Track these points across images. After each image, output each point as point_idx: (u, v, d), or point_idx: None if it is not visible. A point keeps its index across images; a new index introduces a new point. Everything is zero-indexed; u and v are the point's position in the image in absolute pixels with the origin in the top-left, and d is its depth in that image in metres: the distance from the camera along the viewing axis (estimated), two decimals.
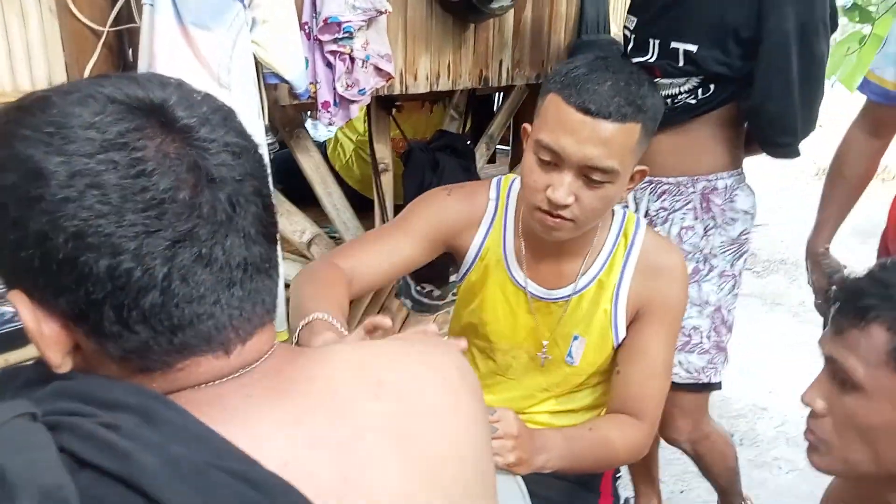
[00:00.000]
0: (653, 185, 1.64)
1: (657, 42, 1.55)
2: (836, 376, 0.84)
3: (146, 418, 0.46)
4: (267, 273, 0.54)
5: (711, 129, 1.57)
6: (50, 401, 0.47)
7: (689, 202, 1.60)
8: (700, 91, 1.54)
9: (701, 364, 1.63)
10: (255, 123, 1.30)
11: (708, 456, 1.76)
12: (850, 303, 0.83)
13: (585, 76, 1.02)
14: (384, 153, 1.96)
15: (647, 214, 1.65)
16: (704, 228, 1.60)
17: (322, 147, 2.38)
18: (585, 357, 1.24)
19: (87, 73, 1.33)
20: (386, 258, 1.20)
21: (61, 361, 0.50)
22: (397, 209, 1.95)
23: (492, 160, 2.46)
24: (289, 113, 1.72)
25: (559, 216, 1.06)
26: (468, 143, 2.17)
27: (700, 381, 1.64)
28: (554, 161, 1.04)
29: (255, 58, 1.31)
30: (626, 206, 1.66)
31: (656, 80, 1.52)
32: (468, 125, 2.37)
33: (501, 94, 2.42)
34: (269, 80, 1.36)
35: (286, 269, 1.78)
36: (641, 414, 1.19)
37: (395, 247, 1.20)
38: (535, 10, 1.96)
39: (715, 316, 1.61)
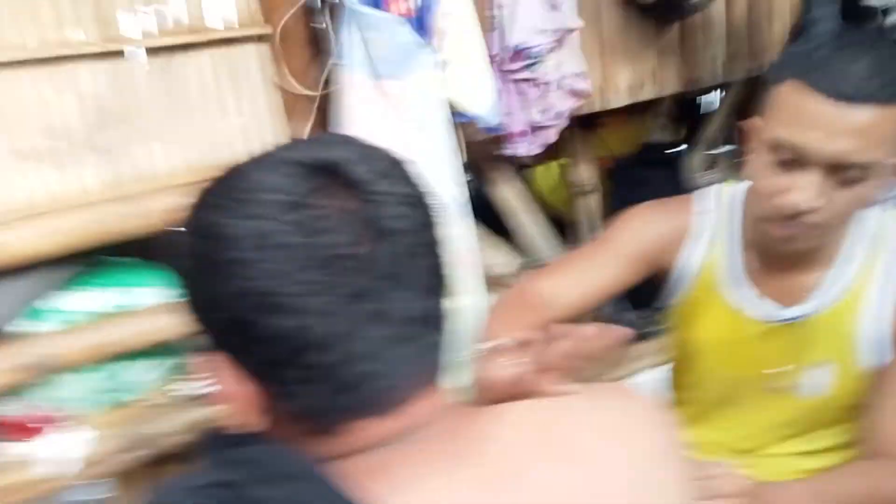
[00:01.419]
0: None
1: None
2: None
3: (298, 494, 0.46)
4: (438, 327, 0.51)
5: None
6: (219, 471, 0.47)
7: None
8: None
9: None
10: (451, 164, 1.29)
11: None
12: None
13: (834, 54, 0.86)
14: (588, 174, 1.85)
15: None
16: None
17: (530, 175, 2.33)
18: (832, 388, 1.04)
19: (306, 134, 1.41)
20: (588, 280, 1.08)
21: (248, 422, 0.49)
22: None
23: (711, 166, 2.22)
24: (486, 145, 1.69)
25: (801, 222, 0.89)
26: (680, 151, 1.98)
27: None
28: (796, 159, 0.88)
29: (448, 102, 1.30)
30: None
31: None
32: (679, 132, 2.17)
33: (720, 91, 2.18)
34: (458, 119, 1.33)
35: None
36: None
37: (598, 268, 1.09)
38: None
39: None
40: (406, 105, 1.22)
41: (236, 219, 0.46)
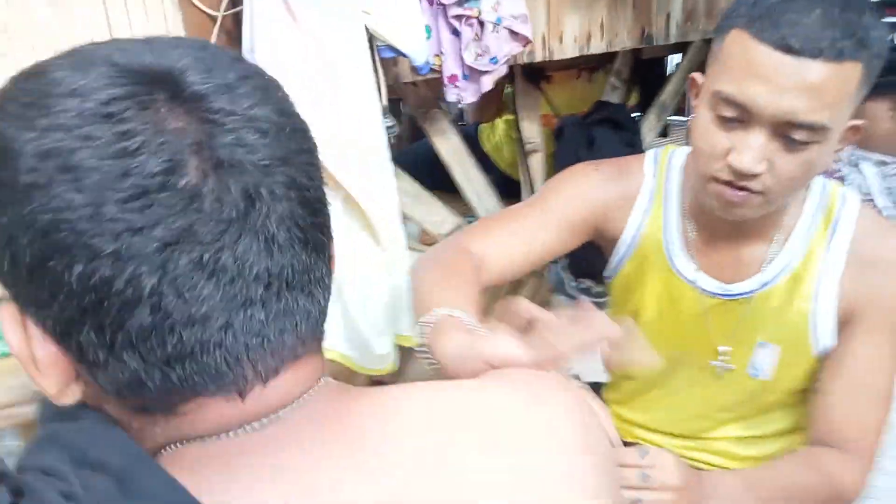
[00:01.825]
0: (888, 167, 1.26)
1: None
2: None
3: (122, 486, 0.38)
4: (304, 289, 0.42)
5: None
6: (38, 451, 0.40)
7: None
8: None
9: None
10: (368, 105, 1.16)
11: None
12: None
13: (784, 2, 0.78)
14: (532, 131, 1.74)
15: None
16: None
17: (474, 128, 2.21)
18: (778, 369, 0.98)
19: None
20: (521, 243, 1.00)
21: (57, 392, 0.41)
22: None
23: (663, 134, 2.13)
24: (421, 91, 1.56)
25: (744, 188, 0.82)
26: (634, 115, 1.87)
27: None
28: (739, 117, 0.81)
29: (367, 29, 1.17)
30: (834, 177, 1.29)
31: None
32: (633, 94, 2.06)
33: (681, 55, 2.08)
34: (383, 55, 1.20)
35: None
36: (852, 448, 0.92)
37: (532, 231, 1.00)
38: None
39: None
40: (318, 32, 1.08)
41: (31, 131, 0.37)
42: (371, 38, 1.20)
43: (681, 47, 1.91)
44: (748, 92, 0.79)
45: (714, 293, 0.99)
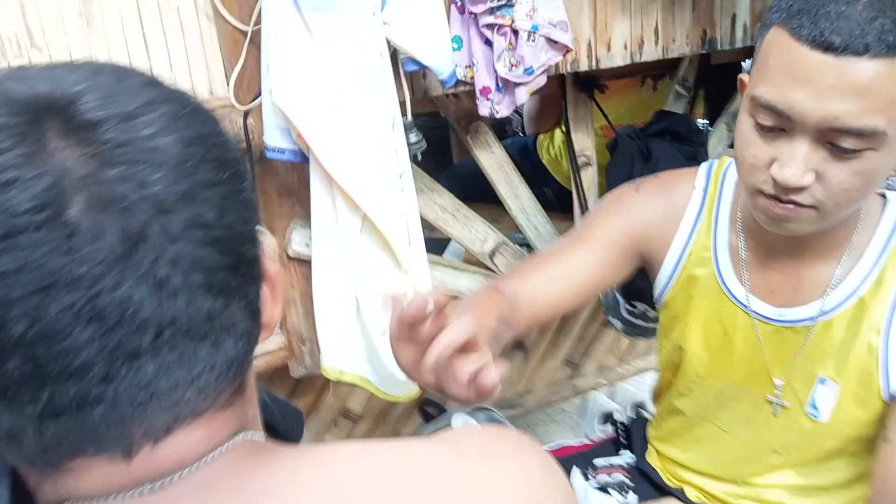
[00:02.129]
0: None
1: None
2: None
3: None
4: (207, 338, 0.38)
5: None
6: None
7: None
8: None
9: None
10: (386, 120, 1.10)
11: None
12: None
13: None
14: (585, 144, 1.63)
15: None
16: None
17: (532, 138, 2.11)
18: (839, 410, 0.87)
19: (234, 76, 1.25)
20: (560, 280, 0.95)
21: None
22: None
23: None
24: (462, 103, 1.49)
25: (792, 202, 0.74)
26: (701, 125, 1.73)
27: None
28: (781, 126, 0.73)
29: (388, 42, 1.11)
30: None
31: None
32: (700, 103, 1.90)
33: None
34: (406, 68, 1.14)
35: (468, 283, 1.57)
36: None
37: (572, 265, 0.96)
38: None
39: None
40: (333, 45, 1.03)
41: None
42: (395, 52, 1.15)
43: (750, 51, 1.75)
44: (787, 97, 0.70)
45: (766, 318, 0.89)
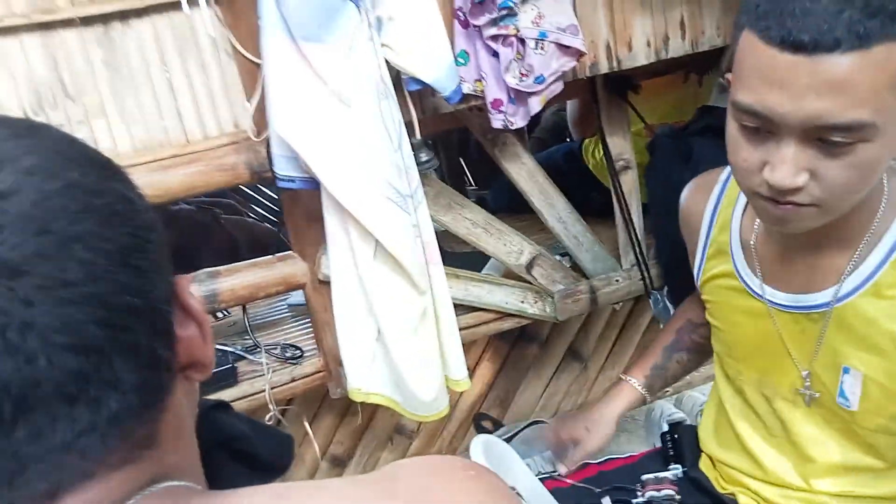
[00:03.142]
0: None
1: None
2: None
3: None
4: (83, 399, 0.36)
5: None
6: None
7: None
8: None
9: None
10: (387, 142, 1.09)
11: None
12: None
13: None
14: (622, 147, 1.56)
15: None
16: None
17: (579, 143, 2.05)
18: (865, 399, 0.85)
19: (251, 110, 1.29)
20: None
21: None
22: (645, 210, 1.57)
23: None
24: (486, 117, 1.46)
25: (790, 202, 0.74)
26: None
27: None
28: (766, 128, 0.72)
29: (388, 64, 1.10)
30: None
31: None
32: None
33: None
34: (409, 88, 1.13)
35: (506, 297, 1.54)
36: None
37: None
38: None
39: None
40: (328, 72, 1.04)
41: None
42: (398, 73, 1.14)
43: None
44: (765, 101, 0.69)
45: (782, 306, 0.89)
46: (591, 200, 1.81)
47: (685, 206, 1.05)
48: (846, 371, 0.87)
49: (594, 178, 1.95)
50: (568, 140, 2.30)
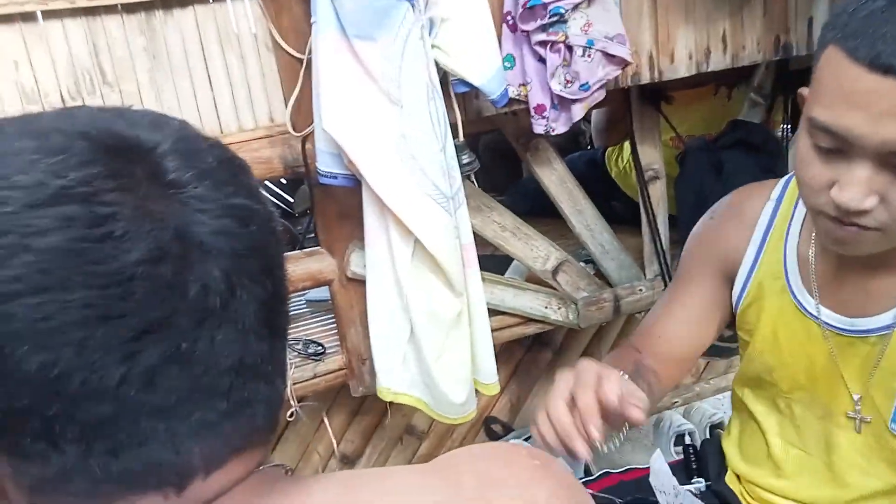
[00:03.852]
0: None
1: None
2: None
3: None
4: (267, 378, 0.41)
5: None
6: None
7: None
8: None
9: None
10: (433, 143, 1.09)
11: None
12: None
13: (881, 12, 0.66)
14: (652, 157, 1.57)
15: None
16: None
17: (601, 152, 2.06)
18: None
19: (290, 105, 1.28)
20: (682, 324, 1.01)
21: None
22: (671, 221, 1.57)
23: None
24: (521, 121, 1.46)
25: (855, 224, 0.73)
26: (778, 134, 1.63)
27: None
28: (840, 147, 0.70)
29: (437, 65, 1.10)
30: None
31: None
32: (778, 111, 1.79)
33: None
34: (457, 90, 1.13)
35: (530, 302, 1.54)
36: None
37: (687, 307, 1.01)
38: None
39: None
40: (379, 71, 1.03)
41: None
42: (445, 74, 1.14)
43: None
44: (843, 121, 0.68)
45: (838, 329, 0.87)
46: (612, 208, 1.82)
47: (738, 203, 0.99)
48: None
49: (616, 186, 1.95)
50: (589, 147, 2.30)
